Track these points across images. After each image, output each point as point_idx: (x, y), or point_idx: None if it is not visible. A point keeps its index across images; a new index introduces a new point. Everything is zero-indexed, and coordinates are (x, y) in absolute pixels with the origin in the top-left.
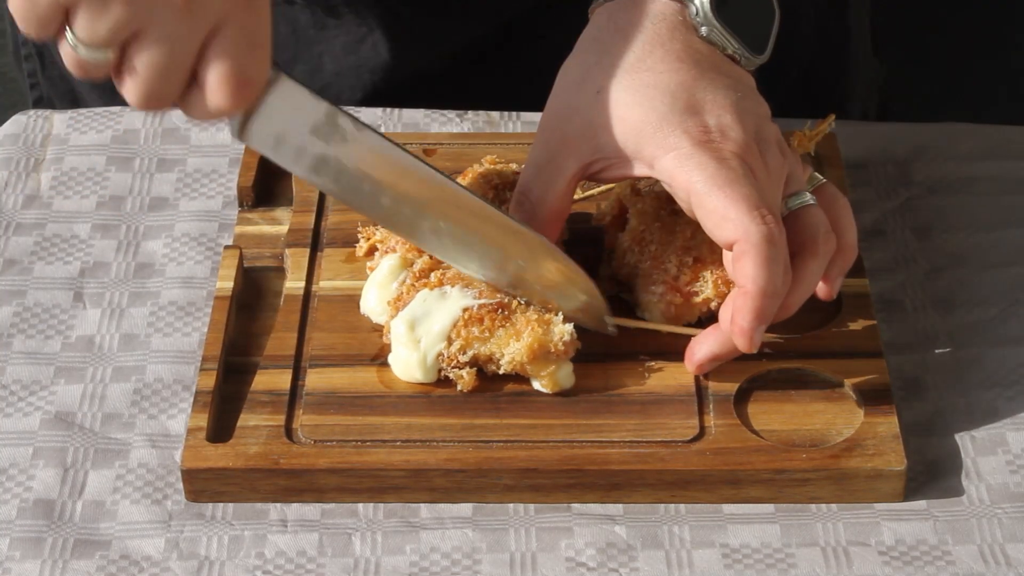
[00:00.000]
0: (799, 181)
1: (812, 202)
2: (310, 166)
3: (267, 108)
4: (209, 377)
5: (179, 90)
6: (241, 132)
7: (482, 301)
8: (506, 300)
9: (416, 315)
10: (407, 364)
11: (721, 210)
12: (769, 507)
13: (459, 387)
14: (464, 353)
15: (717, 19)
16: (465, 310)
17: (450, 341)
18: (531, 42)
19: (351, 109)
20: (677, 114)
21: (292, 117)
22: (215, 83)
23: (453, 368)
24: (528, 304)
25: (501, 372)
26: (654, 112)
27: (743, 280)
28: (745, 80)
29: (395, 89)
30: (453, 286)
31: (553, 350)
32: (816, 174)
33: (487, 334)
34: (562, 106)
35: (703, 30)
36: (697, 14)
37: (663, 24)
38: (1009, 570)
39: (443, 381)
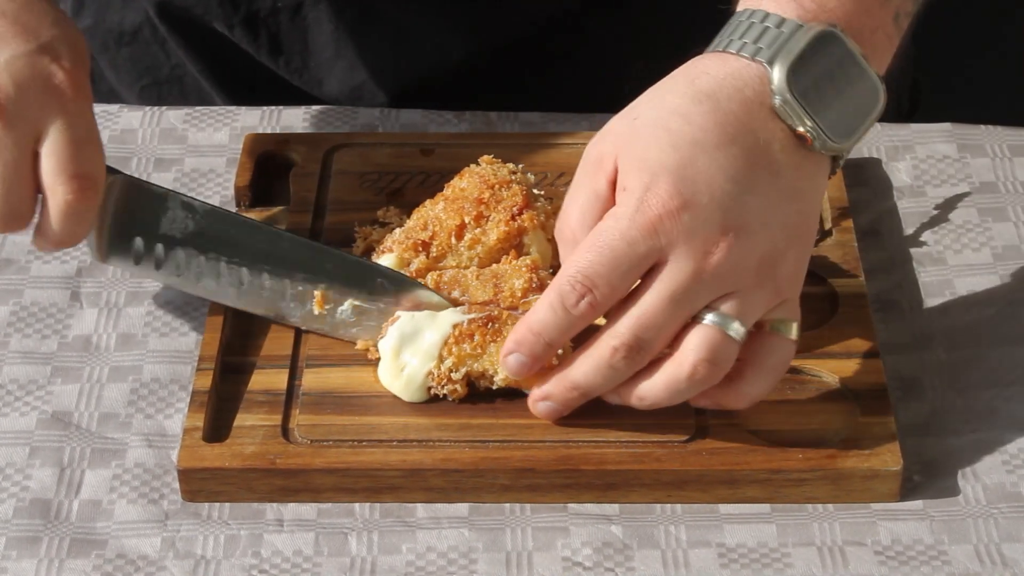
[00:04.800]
0: (790, 315)
1: (788, 336)
2: (173, 263)
3: (117, 213)
4: (206, 377)
5: (29, 203)
6: (100, 249)
7: (471, 316)
8: (495, 312)
9: (405, 333)
10: (395, 390)
11: (578, 248)
12: (765, 507)
13: (450, 399)
14: (456, 371)
15: (792, 92)
16: (455, 326)
17: (441, 359)
18: (571, 43)
19: (387, 110)
20: (665, 166)
21: (142, 215)
22: (51, 180)
23: (444, 386)
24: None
25: (495, 388)
26: (652, 153)
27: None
28: (788, 179)
29: (435, 85)
30: (451, 292)
31: (546, 365)
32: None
33: (479, 350)
34: (607, 128)
35: (776, 100)
36: (772, 82)
37: (730, 83)
38: (1005, 570)
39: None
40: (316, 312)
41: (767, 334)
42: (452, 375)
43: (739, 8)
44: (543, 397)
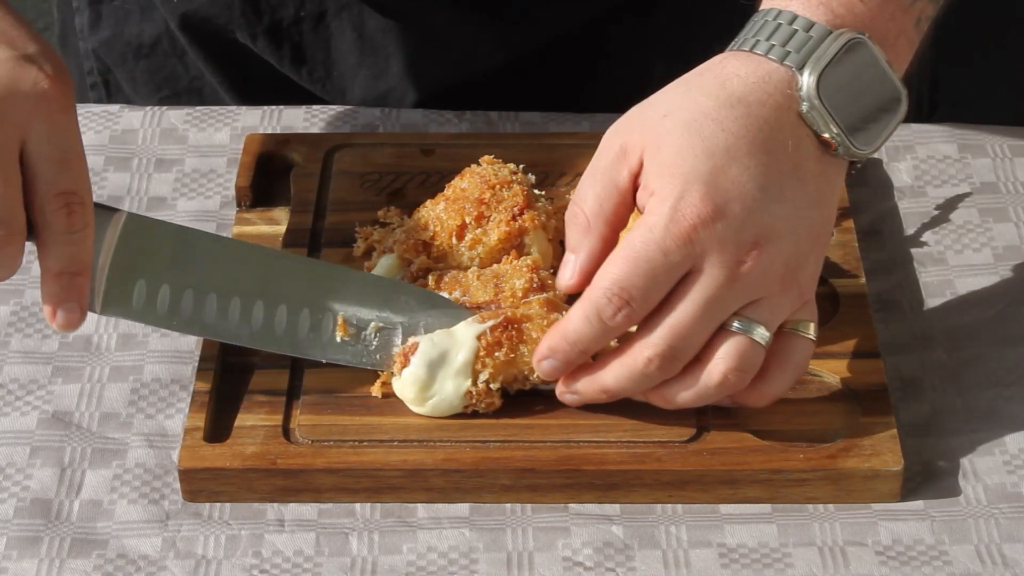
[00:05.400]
0: (809, 316)
1: (807, 336)
2: (181, 305)
3: (116, 254)
4: (207, 377)
5: (17, 207)
6: (104, 301)
7: (489, 324)
8: (508, 313)
9: (432, 359)
10: (425, 412)
11: (612, 258)
12: (766, 507)
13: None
14: (495, 382)
15: (820, 98)
16: (479, 338)
17: (475, 375)
18: (597, 48)
19: (406, 111)
20: (698, 173)
21: (145, 254)
22: (39, 202)
23: (483, 400)
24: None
25: (527, 388)
26: (687, 160)
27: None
28: (813, 185)
29: (458, 92)
30: (451, 292)
31: None
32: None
33: (511, 355)
34: (631, 118)
35: (803, 106)
36: (801, 88)
37: (760, 87)
38: (1006, 570)
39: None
40: (339, 339)
41: (788, 335)
42: (491, 386)
43: (764, 6)
44: (572, 392)
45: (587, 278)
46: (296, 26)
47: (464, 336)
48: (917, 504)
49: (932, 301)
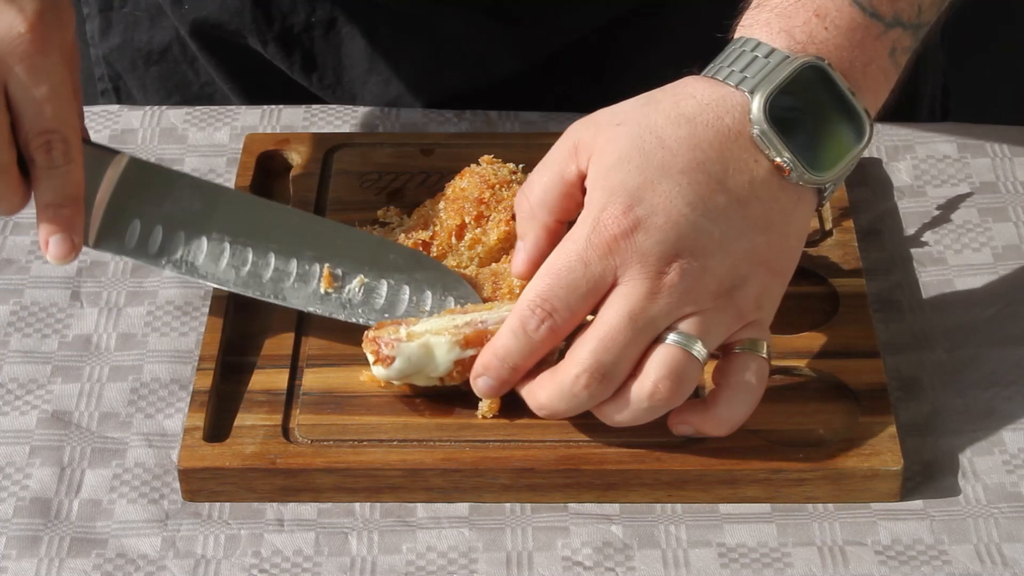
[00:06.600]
0: (758, 335)
1: (760, 354)
2: (172, 246)
3: (115, 195)
4: (206, 377)
5: (7, 147)
6: (97, 236)
7: (470, 353)
8: (492, 332)
9: (405, 374)
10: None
11: (538, 272)
12: (765, 507)
13: (479, 414)
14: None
15: (770, 122)
16: (457, 363)
17: (448, 378)
18: (600, 53)
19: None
20: (625, 187)
21: (143, 196)
22: (22, 140)
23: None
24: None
25: None
26: (619, 174)
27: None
28: (758, 208)
29: (469, 98)
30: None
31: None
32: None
33: None
34: (591, 118)
35: (755, 130)
36: (751, 111)
37: (711, 109)
38: (1005, 570)
39: (441, 385)
40: (322, 291)
41: (737, 354)
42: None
43: (736, 35)
44: (474, 375)
45: (534, 265)
46: (307, 32)
47: (443, 360)
48: (916, 504)
49: (932, 301)
